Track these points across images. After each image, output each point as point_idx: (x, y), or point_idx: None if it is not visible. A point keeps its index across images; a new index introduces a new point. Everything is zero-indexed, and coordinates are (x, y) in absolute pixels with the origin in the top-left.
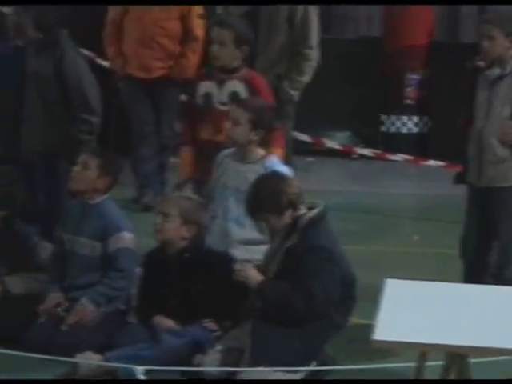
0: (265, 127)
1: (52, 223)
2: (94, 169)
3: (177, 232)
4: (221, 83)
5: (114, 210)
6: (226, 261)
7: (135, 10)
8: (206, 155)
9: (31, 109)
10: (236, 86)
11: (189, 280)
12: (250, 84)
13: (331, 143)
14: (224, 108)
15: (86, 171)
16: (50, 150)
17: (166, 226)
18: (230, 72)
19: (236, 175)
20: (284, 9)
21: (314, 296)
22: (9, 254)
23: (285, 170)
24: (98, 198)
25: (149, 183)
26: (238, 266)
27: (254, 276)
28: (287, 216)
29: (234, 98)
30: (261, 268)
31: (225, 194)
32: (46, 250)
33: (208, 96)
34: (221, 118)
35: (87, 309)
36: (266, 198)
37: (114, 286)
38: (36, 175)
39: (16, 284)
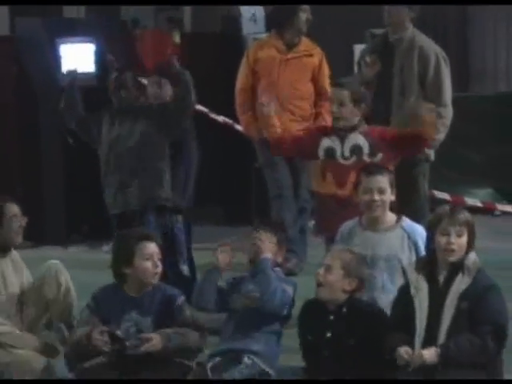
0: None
1: None
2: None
3: (339, 284)
4: (343, 138)
5: None
6: (383, 319)
7: (266, 77)
8: (328, 209)
9: None
10: (358, 139)
11: (344, 335)
12: (371, 136)
13: (472, 201)
14: (347, 162)
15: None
16: None
17: (329, 277)
18: (350, 129)
19: (375, 244)
20: (415, 67)
21: (504, 326)
22: None
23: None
24: None
25: (292, 249)
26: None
27: (427, 356)
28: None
29: (356, 151)
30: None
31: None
32: None
33: (330, 150)
34: (344, 173)
35: None
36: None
37: None
38: None
39: None
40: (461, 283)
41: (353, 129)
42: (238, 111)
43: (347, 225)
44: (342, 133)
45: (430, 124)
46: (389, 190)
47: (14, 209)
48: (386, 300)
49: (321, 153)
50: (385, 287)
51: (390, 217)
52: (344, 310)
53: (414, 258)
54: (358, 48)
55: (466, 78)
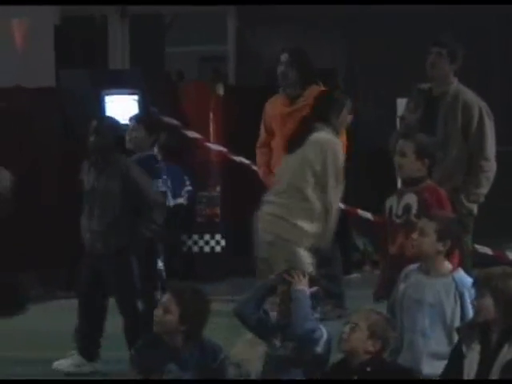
0: (452, 238)
1: None
2: None
3: (363, 344)
4: (400, 196)
5: None
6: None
7: (280, 134)
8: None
9: None
10: (411, 198)
11: None
12: (425, 196)
13: None
14: (398, 221)
15: None
16: None
17: (353, 335)
18: (412, 183)
19: (424, 289)
20: (459, 121)
21: None
22: None
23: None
24: None
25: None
26: None
27: None
28: None
29: (406, 210)
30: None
31: (412, 307)
32: None
33: (391, 209)
34: (394, 231)
35: None
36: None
37: None
38: None
39: None
40: (507, 353)
41: (413, 183)
42: (257, 163)
43: (411, 266)
44: (401, 190)
45: None
46: (432, 236)
47: None
48: (422, 344)
49: (386, 211)
50: (424, 332)
51: (446, 265)
52: (368, 369)
53: (458, 310)
54: (401, 102)
55: (509, 132)
